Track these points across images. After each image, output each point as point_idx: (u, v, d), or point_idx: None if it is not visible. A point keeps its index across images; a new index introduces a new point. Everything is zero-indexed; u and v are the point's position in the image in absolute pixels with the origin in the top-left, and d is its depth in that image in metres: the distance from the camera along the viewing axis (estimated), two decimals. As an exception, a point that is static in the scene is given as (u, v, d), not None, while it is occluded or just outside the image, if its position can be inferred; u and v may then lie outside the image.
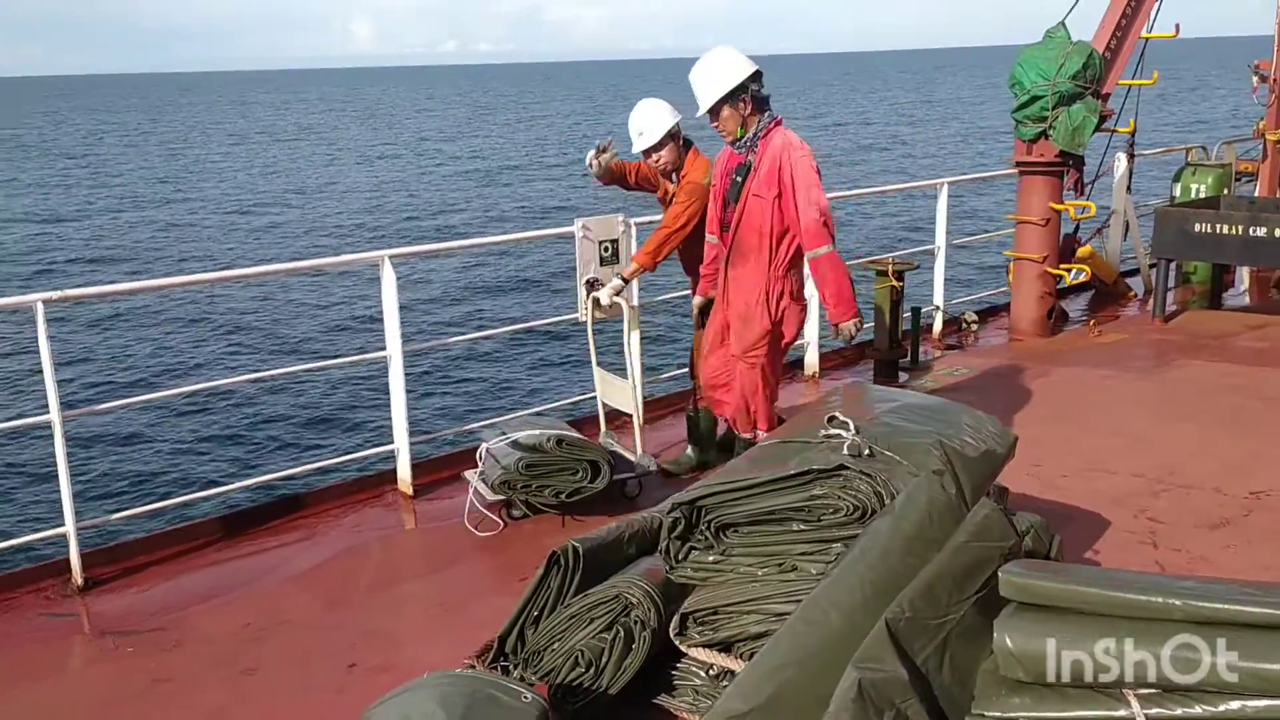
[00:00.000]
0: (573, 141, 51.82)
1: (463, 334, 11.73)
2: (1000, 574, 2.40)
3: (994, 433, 3.52)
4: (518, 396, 12.12)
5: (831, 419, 3.32)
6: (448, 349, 13.60)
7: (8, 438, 10.44)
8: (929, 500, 2.69)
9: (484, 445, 4.91)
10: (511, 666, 3.32)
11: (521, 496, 4.65)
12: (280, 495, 5.50)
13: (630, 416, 5.41)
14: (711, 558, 3.13)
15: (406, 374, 5.31)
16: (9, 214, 31.40)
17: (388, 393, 5.40)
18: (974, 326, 8.24)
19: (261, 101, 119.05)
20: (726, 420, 5.00)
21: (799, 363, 7.31)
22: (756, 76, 4.47)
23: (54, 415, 4.29)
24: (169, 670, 3.72)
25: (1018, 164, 7.77)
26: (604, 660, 3.11)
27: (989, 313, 8.70)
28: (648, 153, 5.11)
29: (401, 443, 5.30)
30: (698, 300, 5.11)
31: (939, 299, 8.01)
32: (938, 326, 8.02)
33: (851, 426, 3.24)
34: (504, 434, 4.94)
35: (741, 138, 4.53)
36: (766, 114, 4.52)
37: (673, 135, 5.07)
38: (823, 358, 7.29)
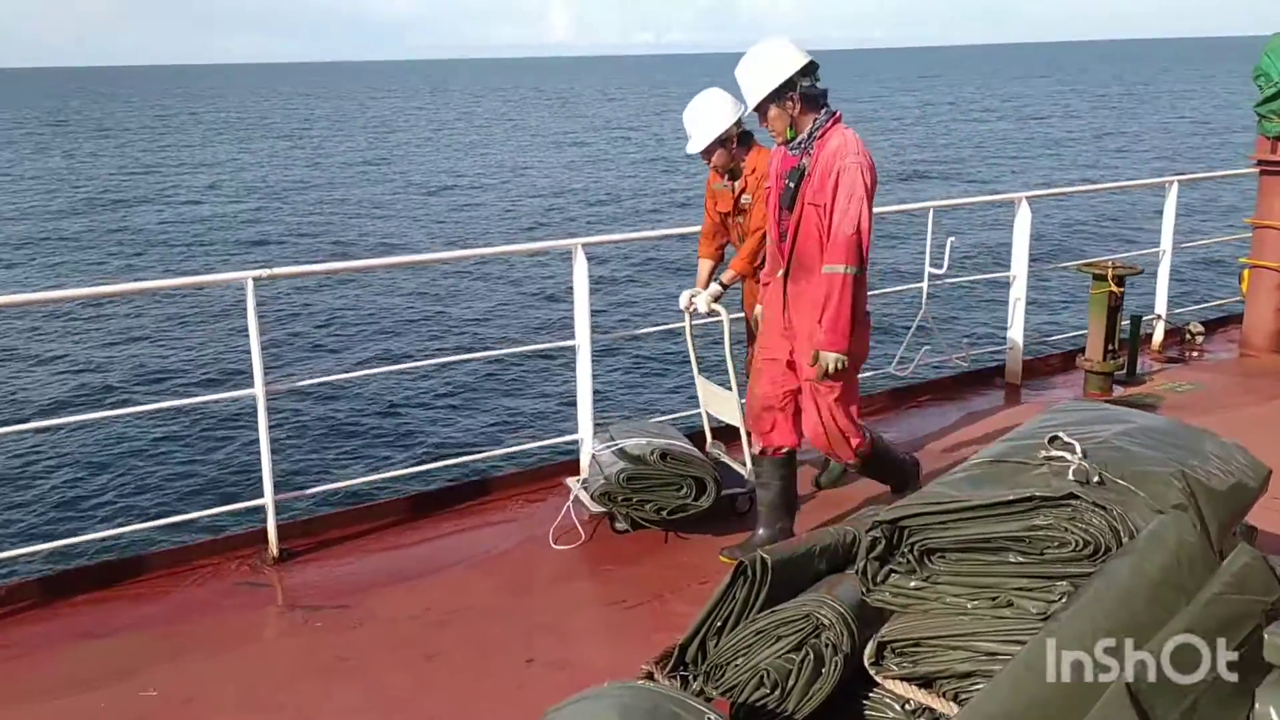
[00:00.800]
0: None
1: (653, 325, 11.65)
2: (1266, 635, 2.08)
3: (1244, 464, 3.11)
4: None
5: (1053, 439, 3.01)
6: (636, 339, 13.60)
7: (216, 409, 11.12)
8: (1178, 541, 2.37)
9: (590, 450, 4.75)
10: (691, 677, 3.18)
11: (622, 510, 4.46)
12: (465, 479, 5.55)
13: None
14: (913, 583, 2.88)
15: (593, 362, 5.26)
16: (231, 190, 33.61)
17: (574, 380, 5.36)
18: (1199, 338, 7.55)
19: (459, 90, 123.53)
20: (768, 449, 4.36)
21: (999, 370, 6.87)
22: (807, 71, 4.02)
23: (258, 389, 4.43)
24: (353, 649, 3.77)
25: (1259, 162, 7.04)
26: (791, 683, 2.92)
27: (1216, 324, 7.96)
28: (703, 154, 4.87)
29: (586, 433, 5.25)
30: (760, 310, 4.63)
31: (1161, 307, 7.38)
32: (1158, 337, 7.39)
33: (1077, 449, 2.92)
34: (611, 439, 4.80)
35: (793, 139, 4.11)
36: (822, 111, 4.07)
37: (723, 141, 4.80)
38: (1026, 366, 6.83)
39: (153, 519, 5.10)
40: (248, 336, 4.44)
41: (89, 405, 12.00)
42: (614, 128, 58.49)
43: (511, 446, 6.06)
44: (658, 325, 6.13)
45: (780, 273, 4.22)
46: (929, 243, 6.24)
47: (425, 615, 4.00)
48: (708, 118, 4.79)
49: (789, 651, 2.96)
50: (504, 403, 11.98)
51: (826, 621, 2.93)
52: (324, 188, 34.11)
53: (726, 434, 5.26)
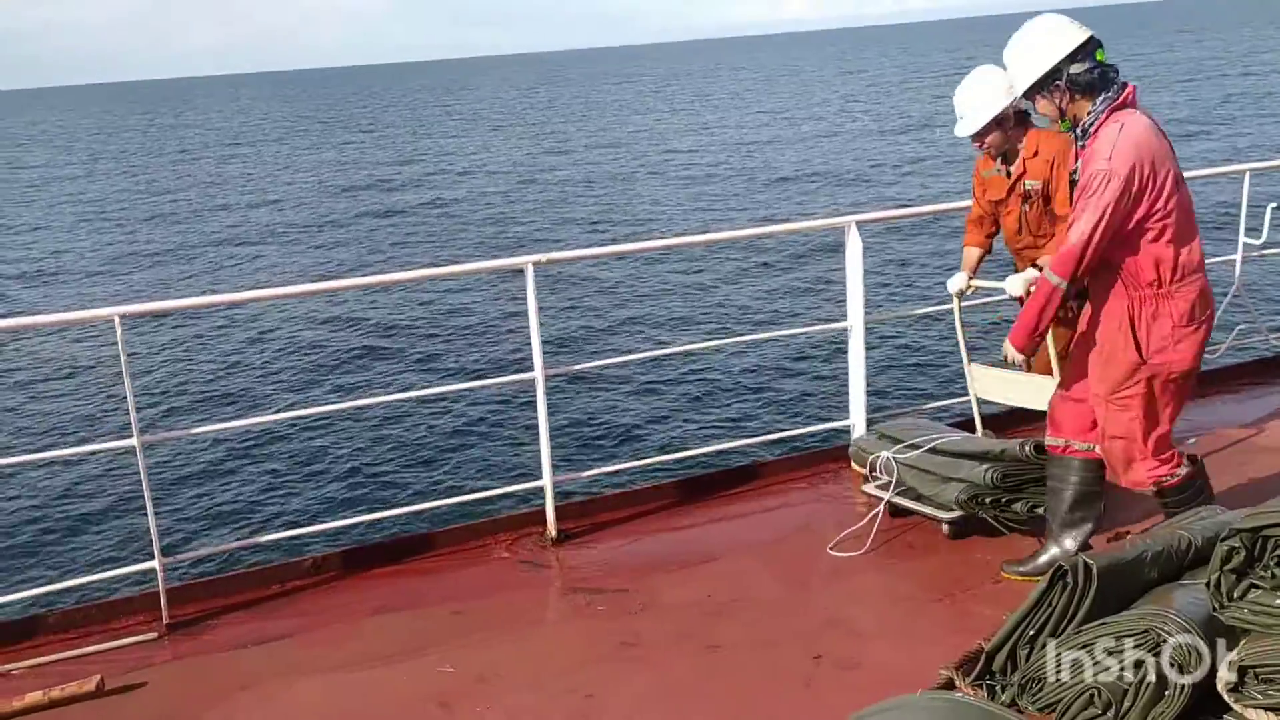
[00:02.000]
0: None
1: (927, 305, 11.23)
2: None
3: None
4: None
5: None
6: (909, 320, 13.09)
7: (502, 393, 11.58)
8: None
9: (883, 454, 4.46)
10: (1000, 688, 2.94)
11: (990, 513, 4.14)
12: (735, 464, 5.46)
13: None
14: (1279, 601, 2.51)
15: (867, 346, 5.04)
16: (487, 178, 35.22)
17: (844, 364, 5.16)
18: None
19: (694, 71, 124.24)
20: (1054, 445, 3.95)
21: None
22: (1080, 54, 3.51)
23: (538, 373, 4.49)
24: (636, 635, 3.75)
25: None
26: (1127, 705, 2.63)
27: None
28: (974, 137, 4.49)
29: (858, 418, 5.05)
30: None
31: None
32: None
33: None
34: (894, 440, 4.54)
35: (1071, 129, 3.66)
36: (1102, 97, 3.53)
37: (1000, 121, 4.41)
38: None
39: (441, 498, 5.31)
40: (527, 321, 4.52)
41: (381, 388, 12.83)
42: (857, 101, 57.02)
43: (780, 432, 5.90)
44: (936, 306, 5.78)
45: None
46: (1244, 209, 5.59)
47: (705, 603, 3.93)
48: (982, 97, 4.43)
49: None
50: (772, 387, 11.80)
51: (1170, 638, 2.61)
52: (574, 170, 35.00)
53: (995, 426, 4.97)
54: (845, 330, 5.05)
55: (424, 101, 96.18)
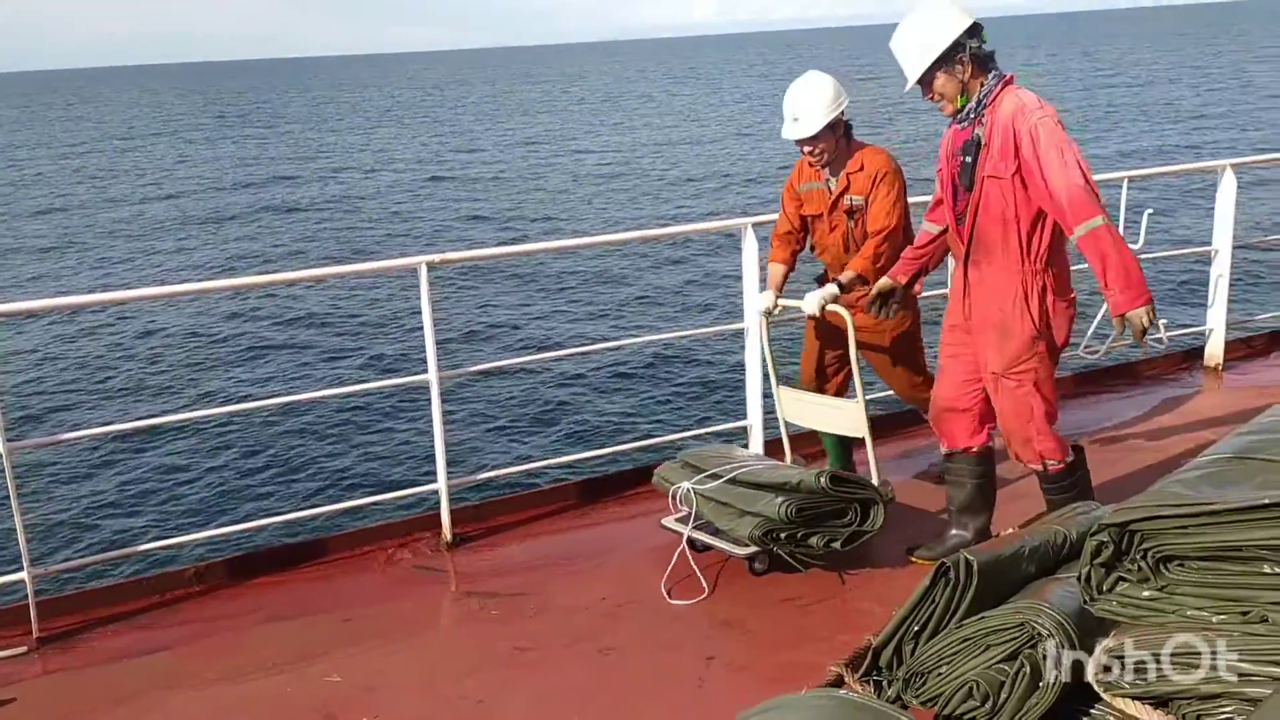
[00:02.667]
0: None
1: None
2: None
3: None
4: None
5: (1307, 433, 2.67)
6: (804, 320, 13.16)
7: (391, 395, 11.38)
8: None
9: (683, 485, 4.16)
10: (885, 683, 2.99)
11: (785, 549, 3.92)
12: (634, 465, 5.46)
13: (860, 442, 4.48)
14: (1146, 593, 2.60)
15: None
16: (393, 176, 34.65)
17: (744, 371, 5.20)
18: None
19: (598, 71, 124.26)
20: (952, 449, 4.06)
21: (1196, 352, 6.35)
22: (974, 31, 3.66)
23: (432, 375, 4.43)
24: (530, 638, 3.72)
25: None
26: (1004, 695, 2.70)
27: None
28: (802, 143, 4.40)
29: (755, 418, 5.10)
30: (884, 281, 4.17)
31: None
32: None
33: (1339, 445, 2.58)
34: (696, 469, 4.27)
35: (963, 107, 3.70)
36: (992, 74, 3.68)
37: (833, 126, 4.34)
38: (1228, 348, 6.28)
39: (332, 502, 5.19)
40: (421, 323, 4.44)
41: (268, 391, 12.50)
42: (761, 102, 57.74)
43: (679, 433, 5.92)
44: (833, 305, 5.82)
45: (961, 259, 3.87)
46: (1123, 215, 5.80)
47: (600, 605, 3.92)
48: (817, 100, 4.34)
49: (1000, 661, 2.73)
50: (672, 388, 11.82)
51: (1044, 630, 2.68)
52: (487, 175, 34.63)
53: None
54: (743, 331, 5.09)
55: (327, 97, 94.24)
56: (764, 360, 4.78)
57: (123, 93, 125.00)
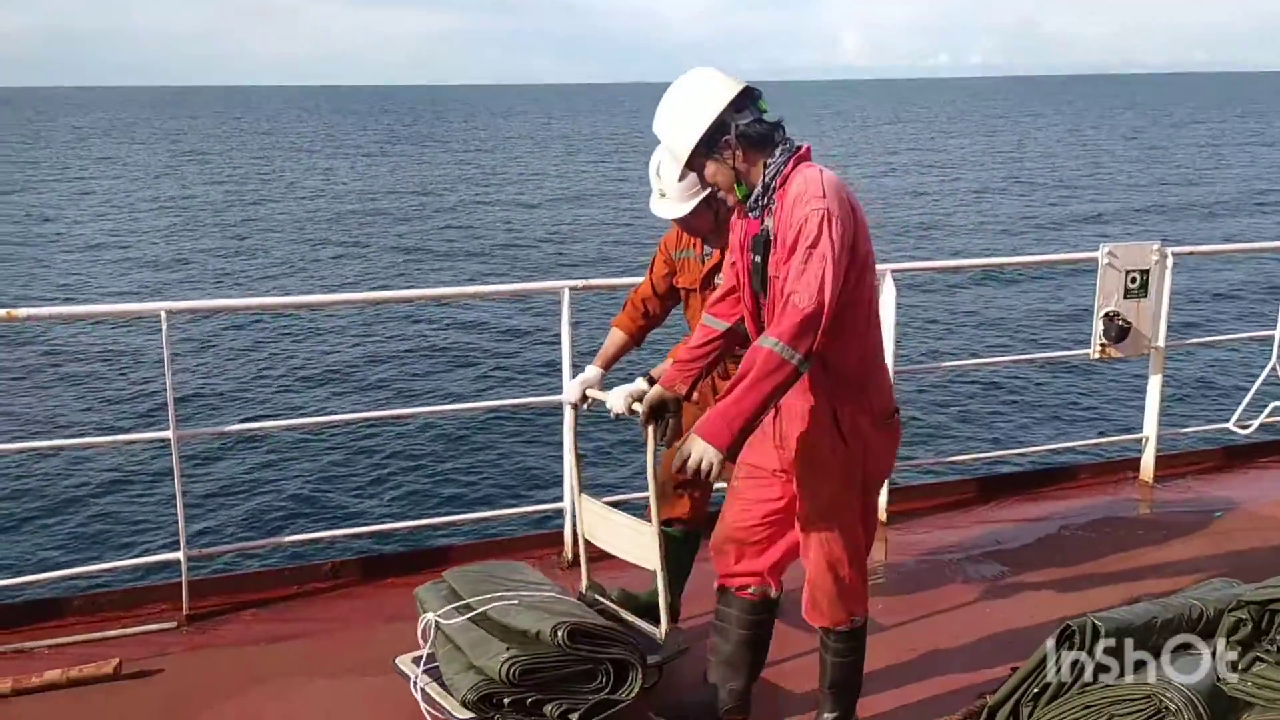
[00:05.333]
0: (1057, 156, 48.45)
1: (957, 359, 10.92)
2: None
3: None
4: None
5: None
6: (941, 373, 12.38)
7: (529, 414, 11.41)
8: None
9: (428, 617, 3.37)
10: (1000, 743, 2.94)
11: (511, 718, 3.11)
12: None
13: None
14: (1285, 675, 2.51)
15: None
16: (536, 201, 35.51)
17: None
18: None
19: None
20: (730, 587, 3.31)
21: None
22: (742, 102, 2.94)
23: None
24: None
25: None
26: (1125, 770, 2.62)
27: None
28: (680, 222, 3.64)
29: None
30: (655, 392, 3.27)
31: None
32: None
33: None
34: (456, 594, 3.45)
35: (747, 196, 3.00)
36: (779, 151, 2.96)
37: (708, 202, 3.49)
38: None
39: (459, 512, 5.36)
40: (559, 343, 4.57)
41: (405, 401, 12.93)
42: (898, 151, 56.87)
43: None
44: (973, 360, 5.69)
45: None
46: None
47: None
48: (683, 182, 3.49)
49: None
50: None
51: (1173, 705, 2.60)
52: (621, 201, 35.15)
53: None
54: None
55: (483, 125, 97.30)
56: (567, 459, 4.07)
57: (288, 109, 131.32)
